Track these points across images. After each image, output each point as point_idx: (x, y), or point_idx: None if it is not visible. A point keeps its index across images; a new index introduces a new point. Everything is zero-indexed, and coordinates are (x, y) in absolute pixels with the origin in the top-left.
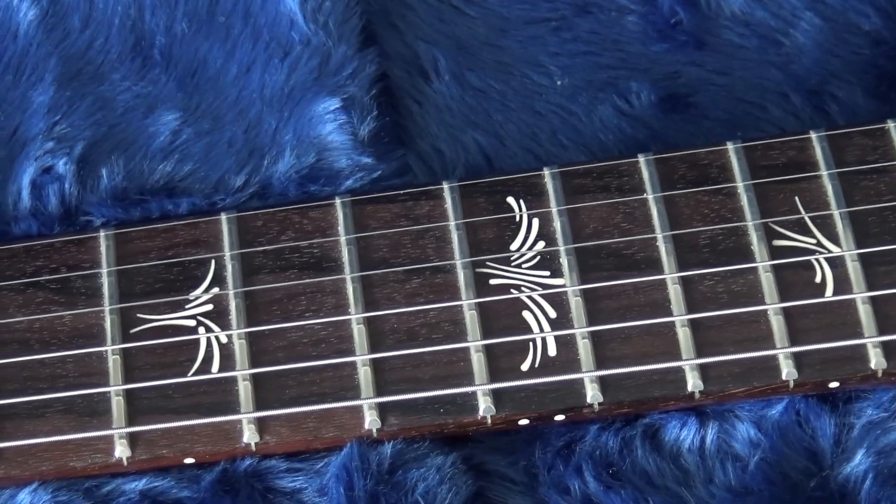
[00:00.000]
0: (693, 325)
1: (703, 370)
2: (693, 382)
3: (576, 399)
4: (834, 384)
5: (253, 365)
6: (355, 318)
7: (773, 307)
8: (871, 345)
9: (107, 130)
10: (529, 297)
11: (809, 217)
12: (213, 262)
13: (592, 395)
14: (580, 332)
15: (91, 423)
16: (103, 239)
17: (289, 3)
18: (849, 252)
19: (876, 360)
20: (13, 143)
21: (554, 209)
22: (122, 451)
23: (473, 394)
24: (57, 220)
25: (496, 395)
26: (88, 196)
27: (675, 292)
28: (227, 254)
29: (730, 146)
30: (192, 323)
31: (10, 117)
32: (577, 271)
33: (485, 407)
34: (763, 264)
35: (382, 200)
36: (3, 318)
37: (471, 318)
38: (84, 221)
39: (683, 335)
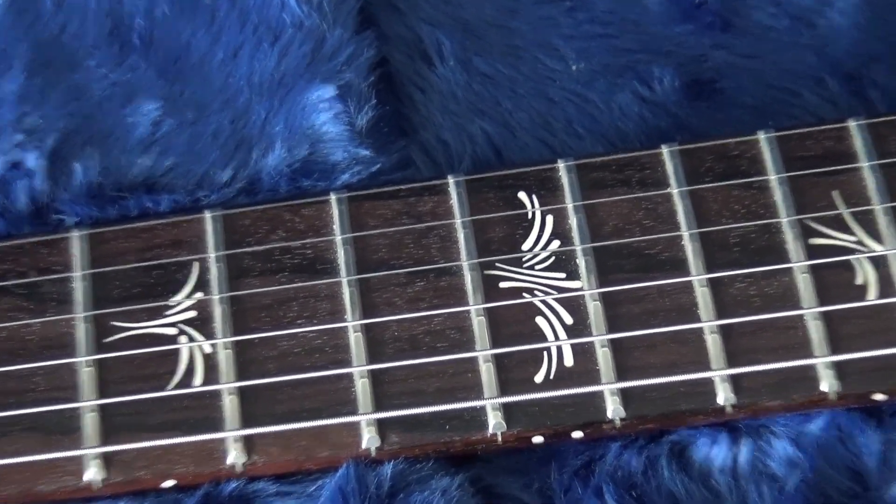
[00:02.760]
0: (723, 331)
1: (735, 381)
2: (724, 395)
3: (595, 414)
4: (879, 396)
5: (239, 377)
6: (352, 326)
7: (810, 311)
8: None
9: (81, 122)
10: (543, 302)
11: (849, 213)
12: (196, 264)
13: (613, 409)
14: (599, 339)
15: (61, 441)
16: (76, 240)
17: None
18: (893, 251)
19: None
20: None
21: (569, 205)
22: (95, 472)
23: (482, 408)
24: (26, 219)
25: (507, 410)
26: (61, 193)
27: (703, 295)
28: (212, 255)
29: (761, 136)
30: (173, 331)
31: None
32: (596, 273)
33: (495, 423)
34: (799, 265)
35: (382, 196)
36: None
37: (479, 325)
38: (56, 221)
39: (713, 343)
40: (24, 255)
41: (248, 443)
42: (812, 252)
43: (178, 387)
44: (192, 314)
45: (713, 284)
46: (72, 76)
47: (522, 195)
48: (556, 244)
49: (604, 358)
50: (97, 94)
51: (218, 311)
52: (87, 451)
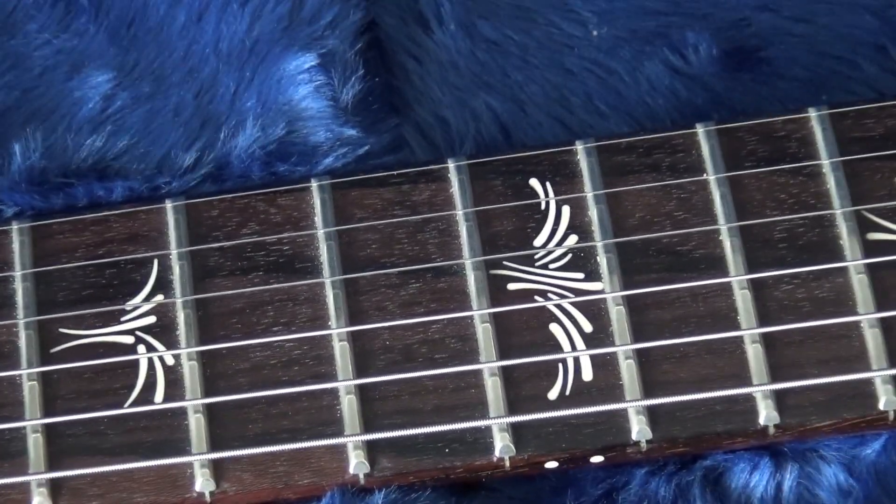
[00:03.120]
0: (766, 340)
1: (780, 398)
2: (766, 414)
3: (618, 435)
4: None
5: (206, 393)
6: (337, 334)
7: (868, 318)
8: None
9: (20, 95)
10: (558, 307)
11: None
12: (155, 262)
13: (639, 430)
14: (623, 350)
15: (2, 467)
16: (16, 233)
17: None
18: None
19: None
20: None
21: (589, 194)
22: (41, 501)
23: (487, 429)
24: None
25: (516, 431)
26: None
27: (743, 299)
28: (174, 252)
29: (813, 113)
30: (130, 340)
31: None
32: (619, 273)
33: (502, 446)
34: (855, 263)
35: (371, 184)
36: None
37: (484, 333)
38: None
39: (754, 354)
40: None
41: (218, 468)
42: (870, 249)
43: (136, 404)
44: (151, 320)
45: (755, 286)
46: (9, 42)
47: (534, 182)
48: (573, 239)
49: (628, 371)
50: (39, 63)
51: (181, 317)
52: (31, 477)
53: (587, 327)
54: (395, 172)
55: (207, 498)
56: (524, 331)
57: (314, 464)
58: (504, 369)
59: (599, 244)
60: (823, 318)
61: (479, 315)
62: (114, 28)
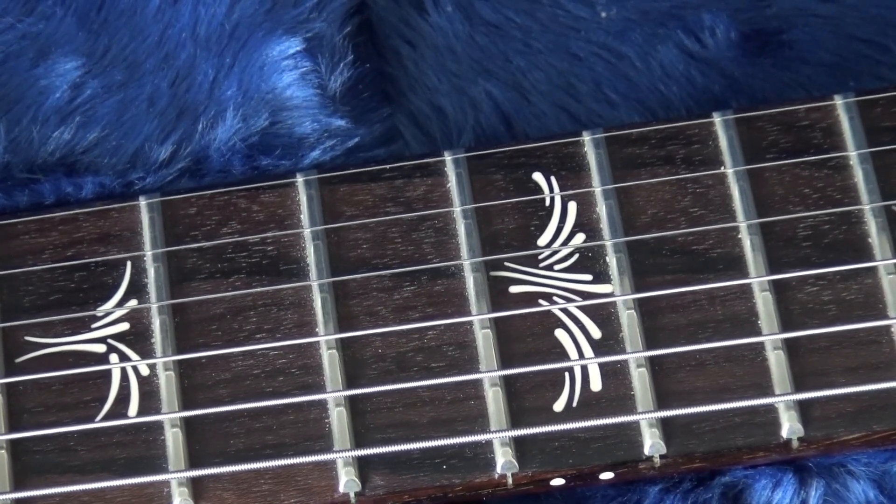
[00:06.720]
0: (790, 347)
1: (804, 409)
2: (790, 426)
3: (629, 450)
4: None
5: (185, 406)
6: (325, 341)
7: None
8: None
9: None
10: (564, 311)
11: None
12: (129, 264)
13: (652, 444)
14: (634, 357)
15: None
16: None
17: None
18: None
19: None
20: None
21: (597, 189)
22: None
23: (488, 444)
24: None
25: (519, 446)
26: None
27: (764, 302)
28: (149, 253)
29: (839, 101)
30: (101, 348)
31: None
32: (630, 274)
33: (504, 462)
34: (885, 263)
35: (361, 178)
36: None
37: (484, 340)
38: None
39: (776, 361)
40: None
41: (197, 487)
42: None
43: (108, 417)
44: (124, 327)
45: (777, 288)
46: None
47: (538, 176)
48: (580, 238)
49: (640, 380)
50: (1, 49)
51: (157, 324)
52: None
53: (596, 333)
54: (387, 166)
55: None
56: (527, 337)
57: (301, 482)
58: (506, 379)
59: (609, 243)
60: (851, 322)
61: (479, 320)
62: (83, 11)
